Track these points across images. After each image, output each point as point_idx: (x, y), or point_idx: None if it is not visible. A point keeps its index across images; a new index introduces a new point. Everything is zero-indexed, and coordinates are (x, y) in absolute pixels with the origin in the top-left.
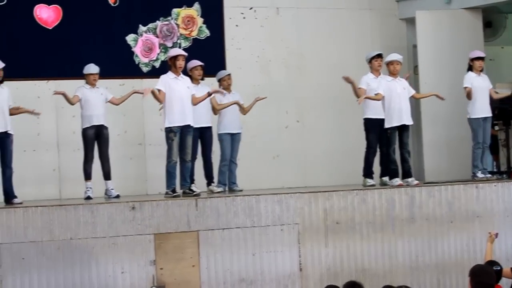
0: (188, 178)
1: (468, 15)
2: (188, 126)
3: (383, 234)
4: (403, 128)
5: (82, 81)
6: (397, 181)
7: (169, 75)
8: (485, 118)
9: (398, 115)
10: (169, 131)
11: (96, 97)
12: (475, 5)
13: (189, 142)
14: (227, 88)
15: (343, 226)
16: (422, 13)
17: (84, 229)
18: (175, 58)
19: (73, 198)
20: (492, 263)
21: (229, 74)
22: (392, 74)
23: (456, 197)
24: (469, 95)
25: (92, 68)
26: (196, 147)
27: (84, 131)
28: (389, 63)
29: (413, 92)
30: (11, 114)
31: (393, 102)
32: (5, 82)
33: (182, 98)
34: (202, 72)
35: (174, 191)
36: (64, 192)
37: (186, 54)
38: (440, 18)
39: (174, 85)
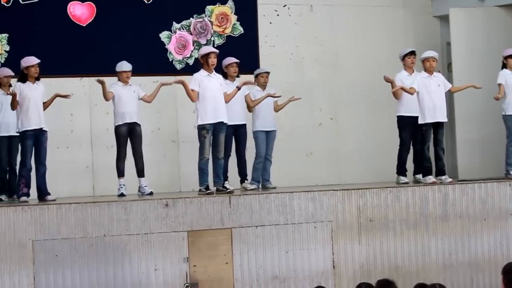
0: (221, 175)
1: (502, 12)
2: (221, 123)
3: (416, 231)
4: (438, 126)
5: (115, 78)
6: (431, 178)
7: (201, 72)
8: None
9: (432, 112)
10: (201, 128)
11: (129, 94)
12: (509, 2)
13: (221, 139)
14: (263, 85)
15: (376, 224)
16: (456, 10)
17: (117, 226)
18: (207, 55)
19: (106, 195)
20: None
21: (267, 72)
22: (428, 71)
23: (490, 195)
24: (501, 92)
25: (124, 66)
26: (230, 144)
27: (117, 129)
28: (424, 60)
29: (449, 86)
30: (45, 108)
31: (428, 99)
32: (40, 79)
33: (215, 96)
34: (238, 69)
35: (207, 188)
36: (97, 189)
37: (217, 51)
38: (473, 16)
39: (207, 82)
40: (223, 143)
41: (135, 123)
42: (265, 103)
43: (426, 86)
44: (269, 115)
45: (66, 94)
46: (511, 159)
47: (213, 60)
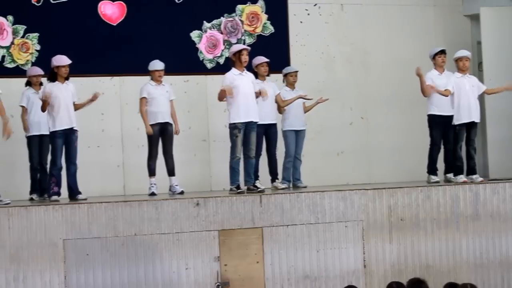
0: (252, 174)
1: None
2: (252, 122)
3: (447, 231)
4: (471, 125)
5: (147, 78)
6: (462, 178)
7: (233, 71)
8: None
9: (467, 112)
10: (233, 127)
11: (162, 94)
12: None
13: (253, 138)
14: (292, 85)
15: (407, 223)
16: (486, 9)
17: (148, 225)
18: (239, 53)
19: (137, 194)
20: None
21: (296, 71)
22: (461, 70)
23: None
24: None
25: (157, 65)
26: (261, 143)
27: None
28: (458, 60)
29: (484, 88)
30: (75, 109)
31: (462, 99)
32: (70, 79)
33: (247, 94)
34: (268, 68)
35: (238, 187)
36: (128, 188)
37: (249, 48)
38: (504, 15)
39: (239, 81)
40: (254, 142)
41: (167, 123)
42: (295, 103)
43: (461, 87)
44: (299, 114)
45: (95, 94)
46: None
47: (245, 57)
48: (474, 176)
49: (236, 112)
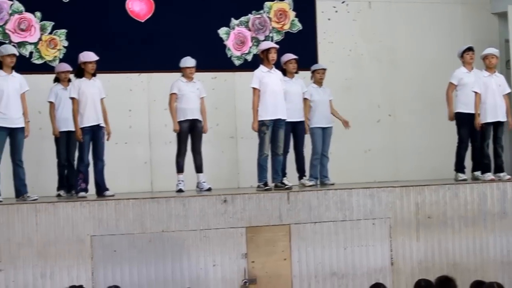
0: (280, 171)
1: None
2: (280, 119)
3: (475, 228)
4: (498, 123)
5: (174, 74)
6: (489, 175)
7: (262, 69)
8: None
9: (493, 111)
10: (261, 124)
11: (192, 91)
12: None
13: (281, 135)
14: (319, 82)
15: (434, 221)
16: None
17: (175, 222)
18: (267, 51)
19: (164, 190)
20: None
21: (324, 69)
22: (488, 68)
23: None
24: None
25: (188, 62)
26: (289, 141)
27: (178, 125)
28: (485, 57)
29: (508, 90)
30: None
31: (489, 98)
32: (98, 75)
33: (275, 92)
34: (297, 65)
35: (266, 184)
36: (155, 184)
37: (278, 46)
38: None
39: (267, 78)
40: (282, 139)
41: (196, 119)
42: (323, 101)
43: (487, 86)
44: (326, 112)
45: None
46: None
47: (273, 56)
48: (501, 174)
49: (264, 109)
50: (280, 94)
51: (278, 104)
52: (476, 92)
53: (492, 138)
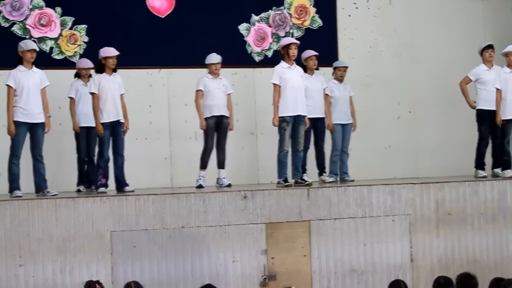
0: (300, 167)
1: None
2: (301, 116)
3: (495, 225)
4: None
5: (194, 70)
6: (510, 172)
7: (282, 64)
8: None
9: None
10: (282, 120)
11: (218, 87)
12: None
13: (301, 131)
14: (340, 79)
15: (454, 218)
16: None
17: (195, 218)
18: (287, 46)
19: (184, 186)
20: None
21: (346, 67)
22: (510, 65)
23: None
24: None
25: (213, 58)
26: (309, 137)
27: (205, 121)
28: (506, 54)
29: None
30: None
31: (509, 94)
32: (118, 71)
33: (295, 88)
34: (317, 62)
35: (286, 180)
36: (175, 180)
37: (298, 42)
38: None
39: (288, 74)
40: (302, 135)
41: (223, 116)
42: (342, 97)
43: (508, 82)
44: (346, 108)
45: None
46: None
47: (293, 51)
48: None
49: (284, 106)
50: (300, 90)
51: (298, 100)
52: (497, 89)
53: None
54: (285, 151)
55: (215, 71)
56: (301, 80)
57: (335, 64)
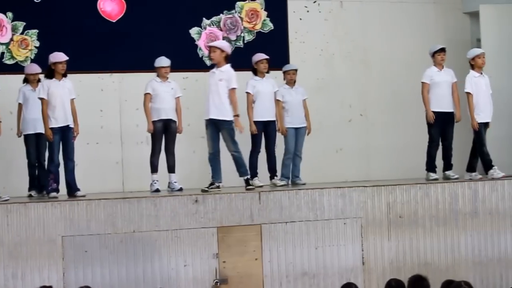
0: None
1: None
2: (212, 119)
3: (446, 228)
4: (486, 125)
5: (146, 74)
6: (498, 173)
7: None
8: None
9: (485, 111)
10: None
11: (167, 91)
12: None
13: (223, 135)
14: (290, 83)
15: (406, 220)
16: (486, 6)
17: (147, 222)
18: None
19: (136, 191)
20: None
21: (295, 69)
22: (477, 68)
23: None
24: None
25: (163, 61)
26: (260, 140)
27: (152, 124)
28: (473, 58)
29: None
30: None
31: (482, 98)
32: (69, 76)
33: (213, 92)
34: (268, 65)
35: (212, 183)
36: (127, 185)
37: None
38: (504, 12)
39: (211, 79)
40: (227, 139)
41: (170, 120)
42: (295, 100)
43: (478, 86)
44: (299, 112)
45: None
46: None
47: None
48: (473, 174)
49: (206, 109)
50: (215, 94)
51: (215, 104)
52: (468, 93)
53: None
54: (209, 153)
55: (164, 75)
56: (221, 83)
57: (284, 68)
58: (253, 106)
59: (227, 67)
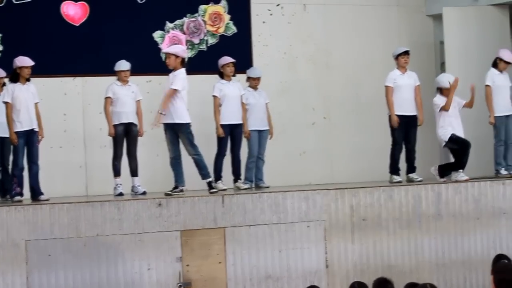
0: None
1: (495, 12)
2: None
3: (410, 230)
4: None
5: (109, 78)
6: (462, 176)
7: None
8: (507, 116)
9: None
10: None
11: (127, 94)
12: (502, 1)
13: (181, 138)
14: (254, 87)
15: (369, 223)
16: (449, 9)
17: (110, 226)
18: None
19: (99, 194)
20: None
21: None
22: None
23: (483, 194)
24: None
25: (123, 65)
26: (226, 143)
27: (114, 128)
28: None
29: (462, 102)
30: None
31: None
32: (32, 79)
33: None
34: (234, 68)
35: (176, 187)
36: (90, 189)
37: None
38: (467, 14)
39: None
40: (184, 142)
41: (131, 123)
42: (258, 103)
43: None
44: (262, 115)
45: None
46: (500, 158)
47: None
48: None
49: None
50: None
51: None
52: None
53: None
54: (170, 157)
55: (124, 78)
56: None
57: (248, 74)
58: (220, 109)
59: (180, 71)
